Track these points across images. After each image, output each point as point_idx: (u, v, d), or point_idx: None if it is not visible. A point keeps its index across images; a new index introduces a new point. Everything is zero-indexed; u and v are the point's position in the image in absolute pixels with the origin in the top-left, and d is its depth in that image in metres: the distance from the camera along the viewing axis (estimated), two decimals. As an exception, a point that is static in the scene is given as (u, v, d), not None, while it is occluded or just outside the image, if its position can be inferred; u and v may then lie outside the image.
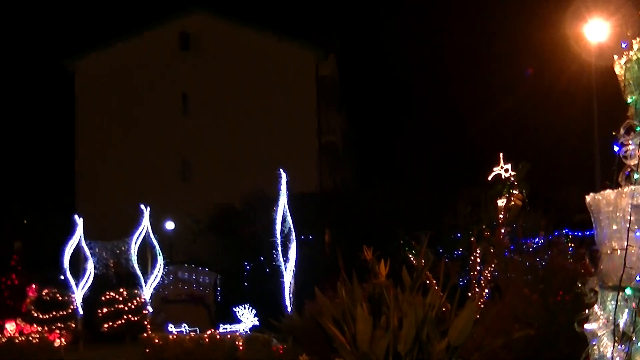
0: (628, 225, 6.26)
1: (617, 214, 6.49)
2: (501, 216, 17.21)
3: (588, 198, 6.76)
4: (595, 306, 6.60)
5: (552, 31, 30.60)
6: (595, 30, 25.66)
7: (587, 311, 6.58)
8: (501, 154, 17.65)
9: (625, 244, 6.23)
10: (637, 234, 6.30)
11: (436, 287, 13.64)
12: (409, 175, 43.99)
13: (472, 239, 17.98)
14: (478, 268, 16.94)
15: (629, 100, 7.21)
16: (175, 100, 42.43)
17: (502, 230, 16.90)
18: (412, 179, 41.05)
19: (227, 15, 43.23)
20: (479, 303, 14.59)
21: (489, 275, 16.26)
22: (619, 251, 6.40)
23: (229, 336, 20.71)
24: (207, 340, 20.85)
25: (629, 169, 6.85)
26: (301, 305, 20.43)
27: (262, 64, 41.74)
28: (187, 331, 23.34)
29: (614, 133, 6.99)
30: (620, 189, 6.70)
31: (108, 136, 41.68)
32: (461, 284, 24.53)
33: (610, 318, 6.36)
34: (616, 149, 6.97)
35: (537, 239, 27.14)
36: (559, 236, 15.61)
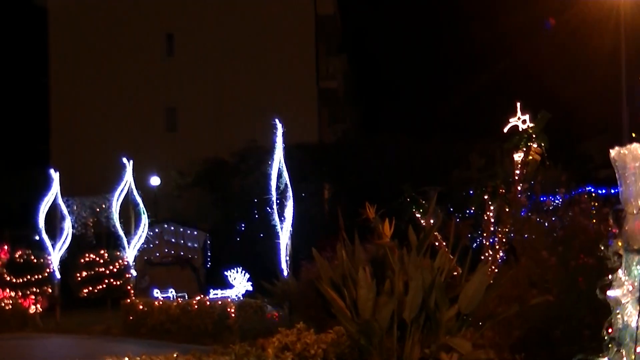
0: (657, 184, 6.27)
1: (645, 171, 6.50)
2: (517, 172, 17.22)
3: (612, 152, 6.75)
4: (620, 271, 6.62)
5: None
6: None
7: (610, 276, 6.60)
8: (518, 103, 17.61)
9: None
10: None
11: (446, 249, 13.75)
12: (417, 125, 44.00)
13: (486, 197, 18.01)
14: (492, 228, 17.01)
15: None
16: (160, 41, 42.22)
17: (519, 187, 16.93)
18: (420, 129, 41.07)
19: (216, -54, 42.79)
20: (493, 266, 14.69)
21: (503, 236, 16.34)
22: (646, 211, 6.41)
23: (219, 302, 20.79)
24: (195, 306, 20.94)
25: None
26: (297, 268, 20.55)
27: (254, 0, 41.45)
28: (174, 297, 23.37)
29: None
30: (648, 143, 6.69)
31: (86, 81, 41.50)
32: (473, 246, 24.67)
33: (636, 284, 6.39)
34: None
35: (556, 197, 27.22)
36: (581, 194, 15.61)
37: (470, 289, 9.35)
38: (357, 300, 9.36)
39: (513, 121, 17.37)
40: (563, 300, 10.12)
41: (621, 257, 6.57)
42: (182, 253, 31.65)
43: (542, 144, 17.57)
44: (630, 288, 6.42)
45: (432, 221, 17.58)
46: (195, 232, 32.27)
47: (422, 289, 9.22)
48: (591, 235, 10.40)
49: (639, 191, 6.50)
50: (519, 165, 17.10)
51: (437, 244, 14.83)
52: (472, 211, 27.20)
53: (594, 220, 11.59)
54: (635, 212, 6.46)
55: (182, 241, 31.91)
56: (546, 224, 12.05)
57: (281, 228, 20.98)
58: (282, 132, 21.17)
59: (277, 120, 21.11)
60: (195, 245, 32.17)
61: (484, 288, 9.42)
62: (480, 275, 9.44)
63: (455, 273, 10.29)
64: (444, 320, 9.31)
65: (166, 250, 31.59)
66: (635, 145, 6.63)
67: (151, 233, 28.27)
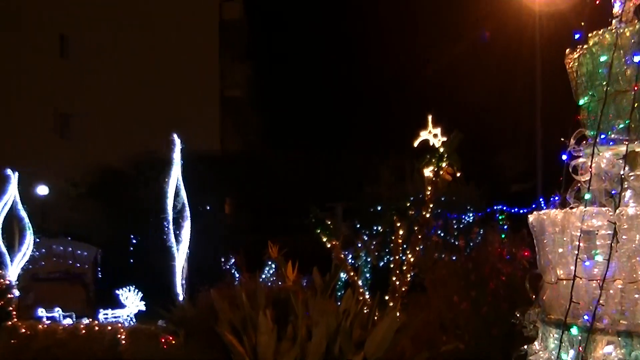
0: (577, 253, 6.06)
1: (564, 238, 6.31)
2: (428, 192, 17.10)
3: (530, 217, 6.57)
4: (536, 342, 6.42)
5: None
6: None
7: (525, 346, 6.40)
8: (429, 116, 17.52)
9: (573, 273, 6.03)
10: (587, 263, 6.11)
11: (354, 278, 13.49)
12: (325, 138, 43.90)
13: (395, 218, 17.91)
14: (400, 250, 16.88)
15: (581, 102, 7.01)
16: (52, 41, 41.12)
17: (429, 208, 16.83)
18: (329, 142, 40.98)
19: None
20: (402, 292, 14.52)
21: (412, 259, 16.22)
22: (564, 281, 6.21)
23: (109, 327, 20.21)
24: (83, 331, 20.30)
25: (578, 184, 6.68)
26: (195, 290, 20.12)
27: (156, 1, 40.75)
28: (61, 316, 22.81)
29: (562, 139, 6.81)
30: (567, 208, 6.53)
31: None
32: (381, 264, 24.66)
33: (553, 358, 6.17)
34: (564, 158, 6.79)
35: (467, 215, 27.40)
36: (493, 229, 15.51)
37: (378, 334, 9.11)
38: (257, 346, 9.05)
39: (424, 135, 17.26)
40: (475, 348, 9.98)
41: (537, 328, 6.36)
42: (71, 269, 30.83)
43: (454, 164, 17.52)
44: (547, 362, 6.21)
45: (337, 242, 17.48)
46: (86, 247, 31.48)
47: (326, 335, 8.95)
48: (505, 279, 10.29)
49: (557, 259, 6.30)
50: (429, 183, 17.02)
51: (346, 275, 14.62)
52: (379, 229, 27.32)
53: (507, 252, 11.50)
54: (553, 280, 6.26)
55: (72, 257, 31.08)
56: (455, 258, 11.94)
57: (177, 249, 20.56)
58: (182, 146, 20.76)
59: (175, 135, 20.68)
60: (86, 260, 31.39)
61: (392, 333, 9.20)
62: (388, 320, 9.20)
63: (366, 309, 10.06)
64: (350, 367, 9.07)
65: (54, 265, 30.71)
66: (554, 210, 6.47)
67: (38, 247, 27.49)
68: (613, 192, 6.71)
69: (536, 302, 6.48)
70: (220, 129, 41.19)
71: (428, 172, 17.08)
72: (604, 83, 7.06)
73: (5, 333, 21.98)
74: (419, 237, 15.86)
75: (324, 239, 18.90)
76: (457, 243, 16.05)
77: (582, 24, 7.33)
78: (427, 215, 16.28)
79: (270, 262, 22.39)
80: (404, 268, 15.83)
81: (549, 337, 6.28)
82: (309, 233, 23.60)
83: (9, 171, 24.81)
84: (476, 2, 33.93)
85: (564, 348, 5.99)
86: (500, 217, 24.17)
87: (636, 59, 7.08)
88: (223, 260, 26.58)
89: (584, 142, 7.12)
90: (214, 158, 35.64)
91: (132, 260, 32.40)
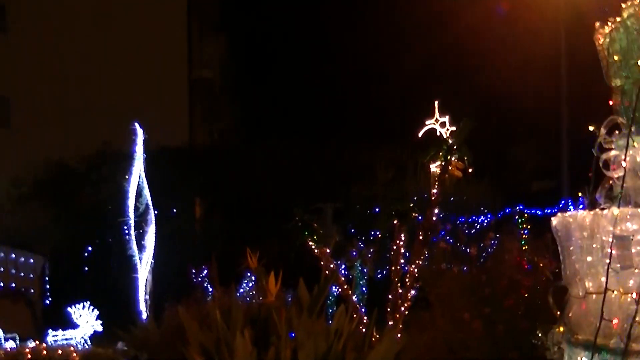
0: (608, 262, 6.04)
1: (594, 244, 6.30)
2: (435, 191, 17.15)
3: (554, 220, 6.56)
4: (561, 368, 6.42)
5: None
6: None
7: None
8: (436, 102, 17.60)
9: (604, 286, 6.00)
10: (620, 274, 6.08)
11: (348, 292, 13.55)
12: (312, 127, 43.94)
13: (395, 222, 17.95)
14: (402, 260, 16.92)
15: (613, 84, 7.00)
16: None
17: (435, 211, 16.88)
18: (316, 132, 41.02)
19: None
20: (403, 309, 14.57)
21: (415, 271, 16.26)
22: (594, 295, 6.20)
23: (59, 352, 20.30)
24: (29, 356, 20.38)
25: (610, 182, 6.68)
26: (161, 308, 20.17)
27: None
28: (2, 339, 22.87)
29: (590, 128, 6.81)
30: (597, 209, 6.52)
31: None
32: (379, 276, 24.74)
33: (583, 389, 6.16)
34: (594, 151, 6.77)
35: (480, 218, 27.49)
36: (510, 234, 15.56)
37: (376, 358, 9.13)
38: (233, 372, 9.06)
39: (430, 124, 17.34)
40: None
41: (562, 350, 6.36)
42: (13, 283, 30.81)
43: (465, 158, 17.58)
44: (574, 390, 6.20)
45: (327, 250, 17.51)
46: (32, 258, 31.47)
47: (314, 359, 8.96)
48: (524, 291, 10.31)
49: (586, 268, 6.28)
50: (435, 180, 17.06)
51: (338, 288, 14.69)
52: (376, 233, 27.36)
53: (525, 257, 11.54)
54: (581, 294, 6.23)
55: (14, 268, 31.06)
56: (466, 268, 11.98)
57: (140, 259, 20.61)
58: (144, 137, 20.79)
59: (136, 125, 20.69)
60: (32, 272, 31.40)
61: (392, 356, 9.22)
62: (387, 341, 9.23)
63: (361, 328, 10.11)
64: (342, 397, 9.08)
65: (-7, 279, 30.74)
66: (581, 212, 6.45)
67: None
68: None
69: (561, 320, 6.48)
70: (188, 117, 41.19)
71: (434, 167, 17.15)
72: (641, 62, 7.06)
73: (-63, 360, 22.05)
74: (423, 244, 15.90)
75: (312, 246, 18.94)
76: (468, 251, 16.04)
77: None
78: (433, 219, 16.32)
79: (248, 274, 22.48)
80: (406, 281, 15.87)
81: (576, 361, 6.29)
82: (294, 239, 23.70)
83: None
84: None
85: (594, 376, 5.99)
86: (519, 220, 24.26)
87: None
88: (193, 271, 26.65)
89: (617, 131, 7.12)
90: (181, 151, 35.70)
91: (86, 272, 32.42)
